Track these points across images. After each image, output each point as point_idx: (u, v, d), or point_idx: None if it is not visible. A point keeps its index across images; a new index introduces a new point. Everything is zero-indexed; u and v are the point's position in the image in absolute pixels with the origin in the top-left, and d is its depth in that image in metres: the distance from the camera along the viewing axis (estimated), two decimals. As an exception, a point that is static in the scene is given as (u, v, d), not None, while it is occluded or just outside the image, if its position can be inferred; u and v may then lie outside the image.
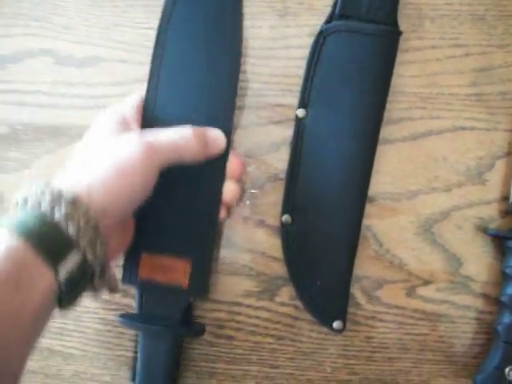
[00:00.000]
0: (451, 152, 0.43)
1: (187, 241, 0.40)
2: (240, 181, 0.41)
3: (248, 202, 0.43)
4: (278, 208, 0.42)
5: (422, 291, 0.42)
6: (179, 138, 0.36)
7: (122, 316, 0.40)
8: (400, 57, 0.42)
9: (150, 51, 0.41)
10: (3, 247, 0.26)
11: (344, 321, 0.41)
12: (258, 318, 0.43)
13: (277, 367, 0.43)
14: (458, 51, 0.43)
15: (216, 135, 0.38)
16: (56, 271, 0.27)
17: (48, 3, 0.44)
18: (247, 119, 0.43)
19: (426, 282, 0.42)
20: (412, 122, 0.43)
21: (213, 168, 0.39)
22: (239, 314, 0.43)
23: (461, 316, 0.43)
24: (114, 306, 0.43)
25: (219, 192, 0.39)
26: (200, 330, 0.41)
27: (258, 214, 0.43)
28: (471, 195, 0.42)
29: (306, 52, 0.42)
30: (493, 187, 0.42)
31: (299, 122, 0.42)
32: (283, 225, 0.41)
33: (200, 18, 0.41)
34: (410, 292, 0.42)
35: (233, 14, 0.42)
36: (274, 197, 0.43)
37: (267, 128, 0.43)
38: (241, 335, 0.43)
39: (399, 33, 0.42)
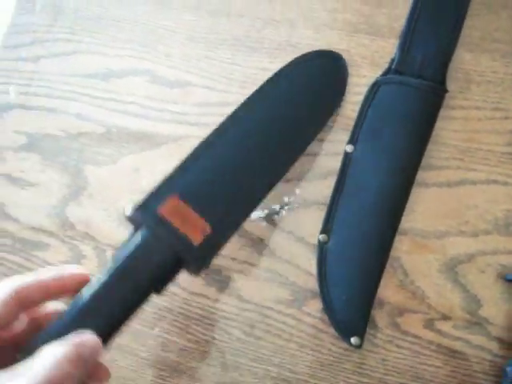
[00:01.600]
0: (482, 202, 0.51)
1: (220, 213, 0.43)
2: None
3: (293, 218, 0.54)
4: (318, 228, 0.52)
5: (440, 325, 0.49)
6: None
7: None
8: (446, 112, 0.52)
9: (232, 82, 0.55)
10: None
11: (362, 338, 0.49)
12: (285, 323, 0.51)
13: (295, 372, 0.51)
14: (498, 114, 0.52)
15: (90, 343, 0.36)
16: None
17: (155, 34, 0.59)
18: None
19: (445, 317, 0.49)
20: (449, 171, 0.52)
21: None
22: (269, 317, 0.51)
23: (474, 355, 0.49)
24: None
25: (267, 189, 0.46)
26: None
27: (300, 231, 0.52)
28: (496, 243, 0.50)
29: (361, 98, 0.54)
30: None
31: (347, 156, 0.52)
32: (320, 243, 0.50)
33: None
34: (428, 324, 0.49)
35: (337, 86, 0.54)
36: (316, 218, 0.52)
37: (319, 158, 0.54)
38: (268, 337, 0.51)
39: (445, 90, 0.52)
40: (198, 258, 0.42)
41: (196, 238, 0.41)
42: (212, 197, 0.44)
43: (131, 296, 0.40)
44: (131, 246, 0.40)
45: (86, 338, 0.36)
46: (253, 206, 0.47)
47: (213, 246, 0.43)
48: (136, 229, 0.43)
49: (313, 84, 0.52)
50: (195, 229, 0.41)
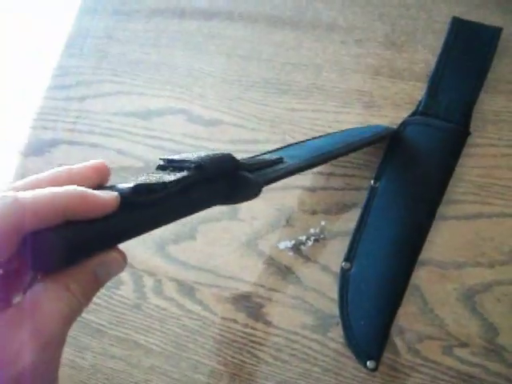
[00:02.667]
0: (498, 234, 0.56)
1: None
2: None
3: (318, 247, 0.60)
4: (342, 257, 0.59)
5: (458, 352, 0.54)
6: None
7: None
8: (463, 150, 0.60)
9: (262, 121, 0.63)
10: None
11: (377, 362, 0.54)
12: (310, 348, 0.57)
13: (319, 395, 0.58)
14: (512, 151, 0.59)
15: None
16: None
17: (191, 77, 0.67)
18: (330, 183, 0.60)
19: (463, 344, 0.54)
20: (466, 205, 0.57)
21: None
22: (295, 342, 0.57)
23: (492, 382, 0.53)
24: (194, 316, 0.61)
25: None
26: None
27: (325, 261, 0.58)
28: None
29: None
30: None
31: (372, 190, 0.59)
32: (342, 269, 0.56)
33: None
34: (447, 350, 0.54)
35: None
36: (340, 248, 0.58)
37: (343, 192, 0.61)
38: (293, 361, 0.57)
39: (468, 133, 0.58)
40: None
41: None
42: None
43: None
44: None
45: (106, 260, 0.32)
46: None
47: None
48: None
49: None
50: None
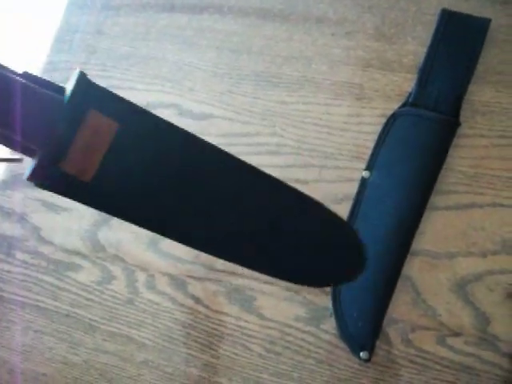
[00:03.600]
0: (489, 224, 0.56)
1: None
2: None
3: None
4: (334, 249, 0.59)
5: (452, 341, 0.54)
6: None
7: None
8: (453, 141, 0.60)
9: (253, 114, 0.62)
10: None
11: (370, 352, 0.54)
12: (303, 340, 0.57)
13: (313, 387, 0.57)
14: (503, 141, 0.58)
15: None
16: None
17: (181, 71, 0.67)
18: (323, 175, 0.60)
19: (456, 334, 0.54)
20: (457, 195, 0.57)
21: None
22: (288, 334, 0.57)
23: (485, 371, 0.54)
24: (186, 310, 0.60)
25: None
26: None
27: None
28: (504, 263, 0.54)
29: (375, 128, 0.59)
30: None
31: (363, 181, 0.58)
32: None
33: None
34: (440, 340, 0.54)
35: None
36: None
37: (335, 185, 0.61)
38: (287, 353, 0.57)
39: (458, 123, 0.58)
40: None
41: None
42: None
43: None
44: None
45: None
46: None
47: None
48: None
49: None
50: None
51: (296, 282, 0.46)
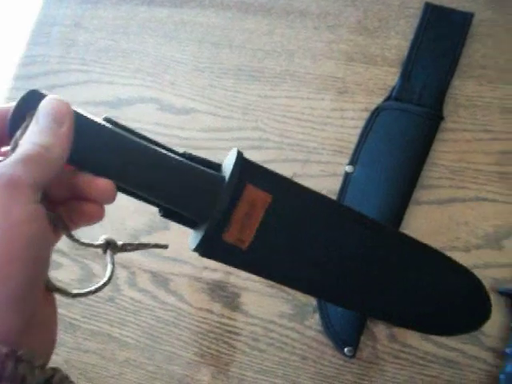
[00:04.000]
0: (472, 218, 0.56)
1: None
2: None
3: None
4: (318, 245, 0.58)
5: (436, 336, 0.54)
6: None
7: None
8: (436, 135, 0.59)
9: (234, 108, 0.61)
10: None
11: (355, 348, 0.53)
12: (287, 337, 0.56)
13: (298, 384, 0.57)
14: (486, 135, 0.58)
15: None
16: None
17: (162, 65, 0.66)
18: (306, 170, 0.60)
19: None
20: (440, 190, 0.57)
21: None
22: (272, 331, 0.56)
23: (469, 365, 0.54)
24: (169, 307, 0.59)
25: None
26: None
27: None
28: (488, 257, 0.55)
29: (357, 123, 0.59)
30: (508, 253, 0.54)
31: (347, 176, 0.58)
32: None
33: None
34: (425, 335, 0.54)
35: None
36: None
37: (318, 179, 0.60)
38: (271, 350, 0.56)
39: (441, 117, 0.58)
40: None
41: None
42: None
43: None
44: None
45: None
46: None
47: None
48: None
49: None
50: None
51: (425, 332, 0.50)
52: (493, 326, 0.53)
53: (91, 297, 0.61)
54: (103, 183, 0.35)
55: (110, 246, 0.39)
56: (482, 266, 0.55)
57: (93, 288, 0.37)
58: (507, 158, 0.57)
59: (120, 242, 0.39)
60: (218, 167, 0.40)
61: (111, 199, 0.36)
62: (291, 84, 0.62)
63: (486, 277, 0.54)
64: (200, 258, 0.57)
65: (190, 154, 0.39)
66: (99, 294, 0.61)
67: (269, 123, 0.61)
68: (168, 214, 0.40)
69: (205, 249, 0.39)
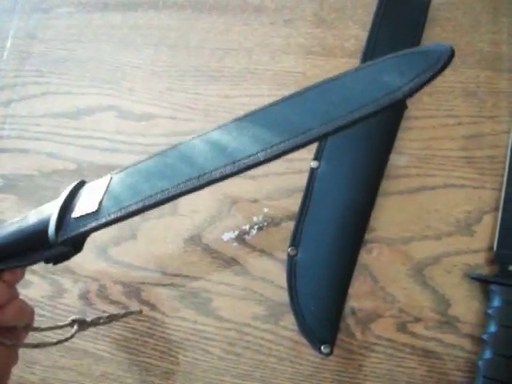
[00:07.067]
0: (442, 205, 0.55)
1: None
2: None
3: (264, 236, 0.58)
4: (287, 243, 0.56)
5: (412, 327, 0.53)
6: None
7: None
8: (402, 123, 0.58)
9: (195, 111, 0.60)
10: None
11: (332, 346, 0.52)
12: (263, 339, 0.55)
13: (277, 386, 0.56)
14: (451, 121, 0.57)
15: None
16: None
17: (119, 71, 0.65)
18: (270, 169, 0.58)
19: (416, 319, 0.53)
20: (409, 179, 0.56)
21: None
22: (247, 334, 0.55)
23: (447, 353, 0.53)
24: (143, 318, 0.58)
25: None
26: None
27: (271, 248, 0.57)
28: (460, 244, 0.54)
29: None
30: (480, 238, 0.54)
31: (312, 172, 0.57)
32: (289, 255, 0.55)
33: None
34: (401, 327, 0.53)
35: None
36: (285, 234, 0.57)
37: (285, 177, 0.59)
38: (247, 353, 0.55)
39: (405, 107, 0.57)
40: None
41: None
42: None
43: None
44: None
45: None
46: None
47: None
48: None
49: None
50: None
51: None
52: (468, 312, 0.53)
53: (63, 313, 0.60)
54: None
55: (76, 323, 0.47)
56: (454, 253, 0.54)
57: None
58: (473, 142, 0.56)
59: (89, 319, 0.48)
60: None
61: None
62: (251, 82, 0.61)
63: (459, 263, 0.54)
64: (170, 265, 0.57)
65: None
66: (71, 309, 0.61)
67: (231, 123, 0.60)
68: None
69: None
